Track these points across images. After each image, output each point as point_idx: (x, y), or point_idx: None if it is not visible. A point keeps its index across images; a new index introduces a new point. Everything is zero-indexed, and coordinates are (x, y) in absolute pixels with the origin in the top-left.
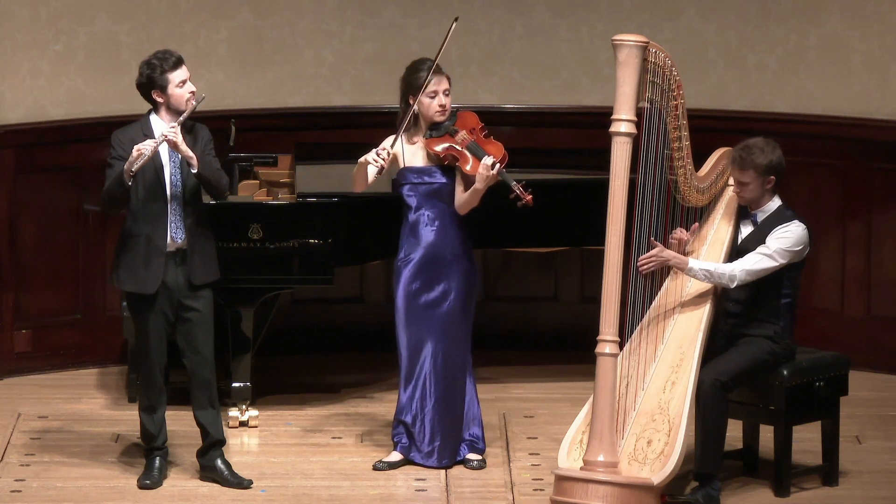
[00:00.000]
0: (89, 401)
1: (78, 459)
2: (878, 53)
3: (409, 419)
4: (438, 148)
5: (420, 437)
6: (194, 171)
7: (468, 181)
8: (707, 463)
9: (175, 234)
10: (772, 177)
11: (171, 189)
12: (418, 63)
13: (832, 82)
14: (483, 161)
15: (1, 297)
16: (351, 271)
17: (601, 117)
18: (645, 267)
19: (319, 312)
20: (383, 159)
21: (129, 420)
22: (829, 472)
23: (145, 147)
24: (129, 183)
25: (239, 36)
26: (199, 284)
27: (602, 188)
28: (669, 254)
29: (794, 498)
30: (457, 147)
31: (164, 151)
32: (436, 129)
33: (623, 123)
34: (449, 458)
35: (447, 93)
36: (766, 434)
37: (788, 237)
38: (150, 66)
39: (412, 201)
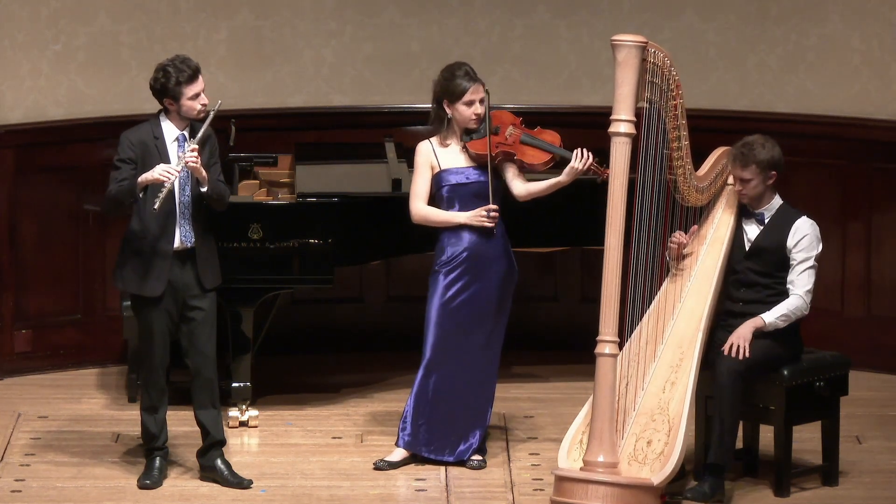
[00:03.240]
0: (89, 401)
1: (78, 459)
2: (878, 53)
3: (424, 410)
4: (486, 148)
5: (438, 430)
6: (203, 189)
7: (523, 173)
8: (722, 454)
9: (185, 237)
10: (773, 172)
11: (180, 194)
12: (455, 69)
13: (832, 82)
14: (576, 154)
15: (1, 297)
16: (351, 271)
17: (601, 117)
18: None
19: (319, 312)
20: (493, 218)
21: (129, 420)
22: (829, 472)
23: (168, 176)
24: (141, 195)
25: (239, 36)
26: (209, 288)
27: (602, 188)
28: (747, 330)
29: (794, 498)
30: (507, 143)
31: (173, 155)
32: (476, 132)
33: (622, 124)
34: (465, 453)
35: (483, 101)
36: (766, 434)
37: (812, 239)
38: (165, 73)
39: (453, 203)
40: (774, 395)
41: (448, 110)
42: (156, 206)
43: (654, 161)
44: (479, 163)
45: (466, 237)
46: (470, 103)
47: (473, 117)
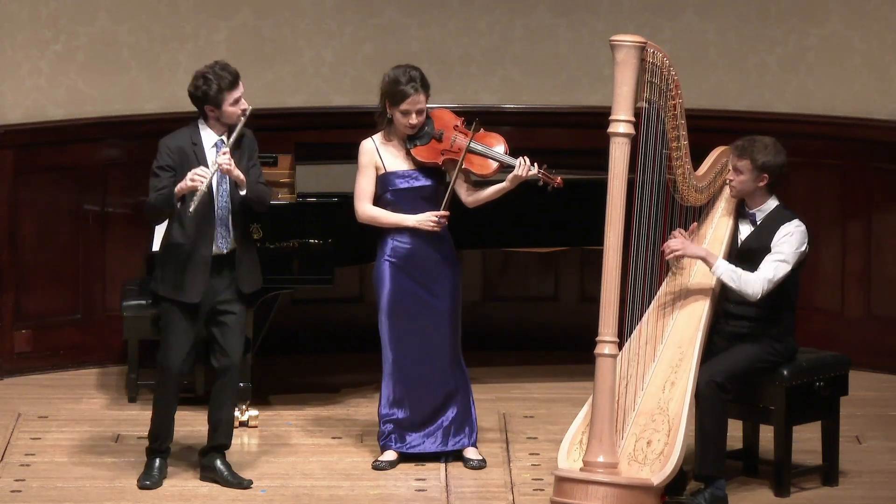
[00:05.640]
0: (89, 401)
1: (78, 459)
2: (878, 53)
3: (401, 414)
4: (432, 156)
5: (422, 427)
6: (242, 192)
7: (470, 179)
8: (707, 465)
9: (221, 243)
10: (765, 175)
11: (219, 201)
12: (401, 74)
13: (832, 82)
14: (520, 162)
15: (1, 297)
16: (351, 271)
17: (601, 117)
18: (669, 256)
19: (319, 312)
20: (442, 224)
21: (129, 420)
22: (829, 472)
23: (201, 179)
24: (178, 205)
25: (239, 36)
26: (247, 292)
27: (602, 188)
28: (697, 249)
29: (794, 498)
30: (452, 150)
31: (212, 161)
32: (420, 138)
33: (621, 124)
34: (451, 442)
35: (421, 112)
36: (766, 434)
37: (794, 238)
38: (206, 81)
39: (399, 206)
40: (774, 395)
41: (388, 111)
42: (190, 210)
43: (654, 161)
44: (419, 165)
45: (410, 239)
46: (406, 113)
47: (408, 126)
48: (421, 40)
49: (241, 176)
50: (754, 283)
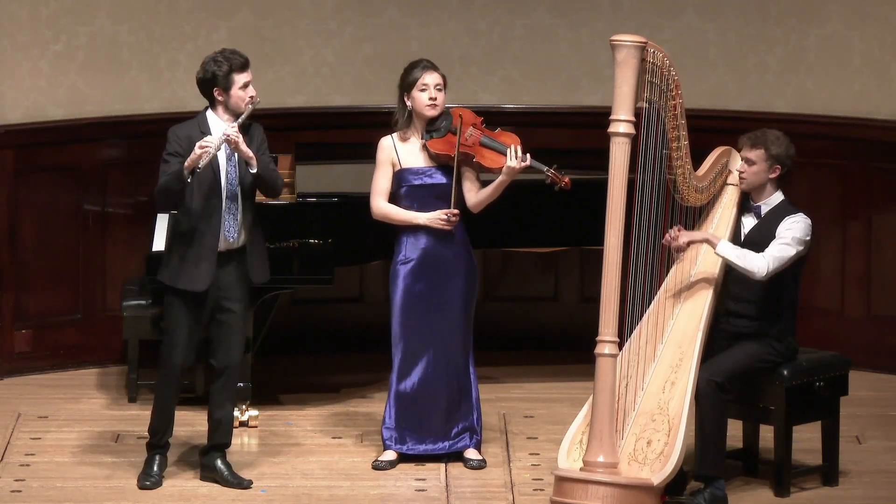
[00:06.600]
0: (89, 401)
1: (78, 459)
2: (878, 53)
3: (405, 413)
4: (446, 148)
5: (419, 428)
6: (253, 170)
7: (479, 177)
8: (707, 465)
9: (228, 232)
10: (777, 166)
11: (227, 188)
12: (414, 63)
13: (832, 82)
14: (510, 152)
15: (1, 297)
16: (351, 271)
17: (601, 117)
18: (674, 245)
19: (319, 312)
20: (452, 222)
21: (129, 420)
22: (829, 472)
23: (209, 143)
24: (189, 180)
25: (239, 36)
26: (257, 284)
27: (602, 188)
28: (698, 233)
29: (794, 498)
30: (467, 144)
31: (221, 150)
32: (436, 131)
33: (622, 124)
34: (456, 442)
35: (439, 87)
36: (766, 434)
37: (799, 226)
38: (216, 63)
39: (412, 203)
40: (774, 395)
41: (407, 102)
42: (200, 166)
43: (654, 161)
44: (438, 162)
45: (425, 238)
46: (424, 88)
47: (428, 102)
48: (421, 40)
49: (250, 152)
50: (759, 260)
